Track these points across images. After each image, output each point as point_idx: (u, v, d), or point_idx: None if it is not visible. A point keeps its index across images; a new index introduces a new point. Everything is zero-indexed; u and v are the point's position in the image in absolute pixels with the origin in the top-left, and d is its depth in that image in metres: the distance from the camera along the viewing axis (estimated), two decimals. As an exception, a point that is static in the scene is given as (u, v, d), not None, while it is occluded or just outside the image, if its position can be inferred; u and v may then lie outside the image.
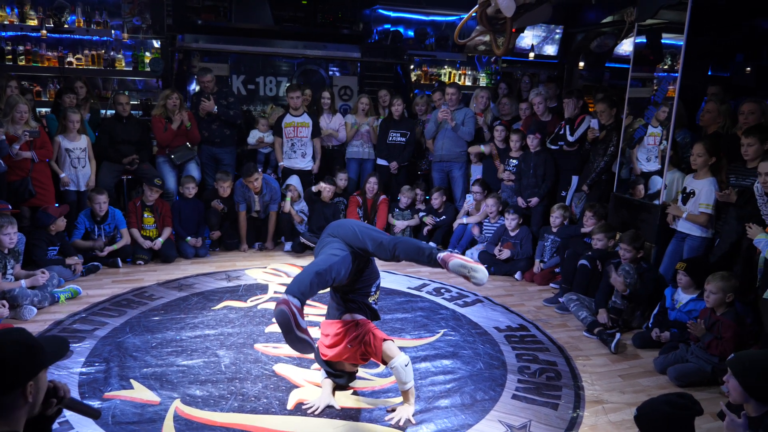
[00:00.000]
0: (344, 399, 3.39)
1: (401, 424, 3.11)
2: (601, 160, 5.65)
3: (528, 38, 8.79)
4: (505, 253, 5.87)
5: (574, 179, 6.03)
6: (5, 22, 7.11)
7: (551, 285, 5.63)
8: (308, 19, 8.01)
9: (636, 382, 3.79)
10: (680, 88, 4.81)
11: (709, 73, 8.51)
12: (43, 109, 6.90)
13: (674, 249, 4.83)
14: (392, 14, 8.96)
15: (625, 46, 8.85)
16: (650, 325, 4.39)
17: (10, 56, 7.15)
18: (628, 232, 4.79)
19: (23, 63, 7.22)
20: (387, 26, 8.98)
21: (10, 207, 4.98)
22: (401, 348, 3.23)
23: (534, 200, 6.07)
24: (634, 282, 4.55)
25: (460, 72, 9.20)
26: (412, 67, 8.83)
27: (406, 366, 3.07)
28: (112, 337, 4.07)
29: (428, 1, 8.33)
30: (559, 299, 5.10)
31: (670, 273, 4.68)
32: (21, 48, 7.22)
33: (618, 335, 4.32)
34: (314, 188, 6.42)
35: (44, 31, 7.23)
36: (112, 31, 7.55)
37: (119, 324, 4.29)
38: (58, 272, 4.94)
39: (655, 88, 5.38)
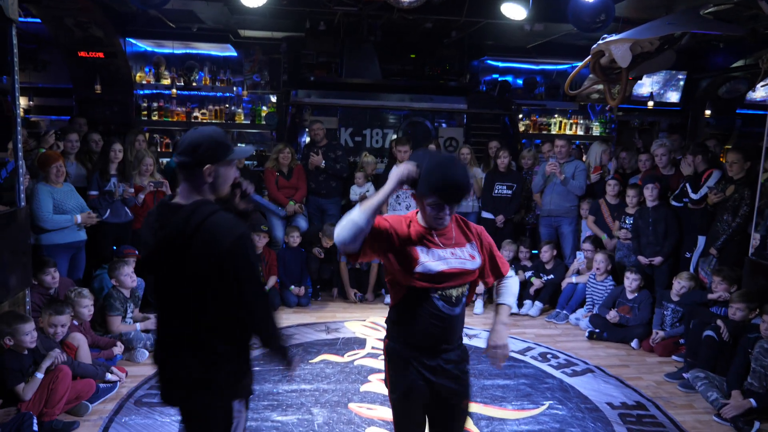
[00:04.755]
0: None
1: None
2: (732, 221, 5.06)
3: (647, 85, 8.31)
4: (612, 314, 5.40)
5: (701, 240, 5.46)
6: (143, 82, 7.87)
7: (674, 357, 5.06)
8: (416, 72, 8.13)
9: (781, 486, 3.24)
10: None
11: None
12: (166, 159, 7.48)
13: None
14: (500, 64, 8.87)
15: (759, 92, 8.13)
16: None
17: (145, 112, 7.88)
18: (772, 303, 4.20)
19: (155, 118, 7.92)
20: (495, 76, 8.90)
21: (137, 252, 5.35)
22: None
23: (658, 259, 5.56)
24: (775, 362, 3.97)
25: (571, 121, 8.86)
26: (520, 116, 8.63)
27: None
28: (213, 386, 4.15)
29: (538, 51, 8.15)
30: (684, 375, 4.55)
31: (821, 354, 4.03)
32: (155, 104, 7.93)
33: (757, 424, 3.77)
34: None
35: (175, 90, 7.91)
36: (234, 88, 8.11)
37: (220, 373, 4.38)
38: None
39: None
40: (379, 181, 6.72)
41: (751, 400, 3.90)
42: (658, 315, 5.34)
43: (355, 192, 6.70)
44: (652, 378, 4.67)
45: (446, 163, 2.27)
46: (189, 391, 2.13)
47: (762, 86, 7.55)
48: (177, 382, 2.14)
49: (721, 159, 6.22)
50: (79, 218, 4.93)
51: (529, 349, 5.17)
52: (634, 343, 5.33)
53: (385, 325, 2.56)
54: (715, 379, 4.31)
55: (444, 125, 8.29)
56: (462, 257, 2.37)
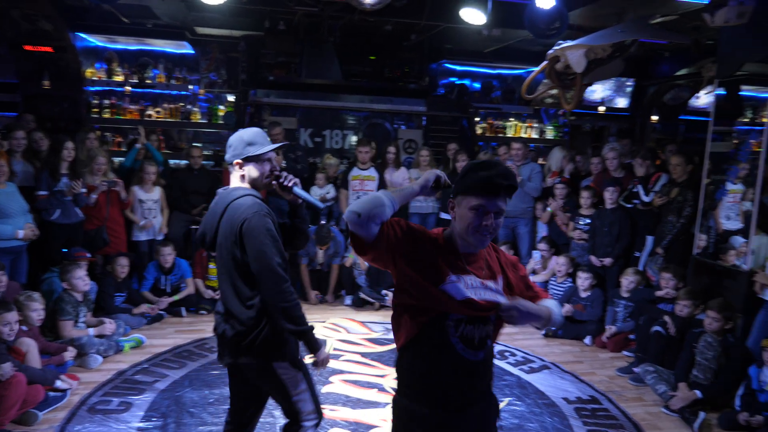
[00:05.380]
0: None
1: None
2: (677, 221, 5.31)
3: (598, 91, 8.60)
4: (567, 308, 5.57)
5: (649, 240, 5.70)
6: (95, 78, 7.63)
7: (624, 353, 5.26)
8: (376, 74, 8.16)
9: (725, 473, 3.41)
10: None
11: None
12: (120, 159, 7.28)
13: (764, 320, 4.41)
14: (458, 68, 9.00)
15: (702, 99, 8.52)
16: (737, 407, 3.98)
17: (96, 109, 7.64)
18: (717, 299, 4.41)
19: (107, 116, 7.68)
20: (453, 79, 9.03)
21: (89, 255, 5.19)
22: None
23: (608, 260, 5.76)
24: (717, 356, 4.18)
25: (526, 125, 9.07)
26: (477, 119, 8.78)
27: None
28: (171, 390, 4.08)
29: (495, 56, 8.31)
30: (634, 369, 4.74)
31: (759, 347, 4.25)
32: (107, 102, 7.69)
33: (702, 414, 3.95)
34: None
35: (128, 87, 7.69)
36: (190, 86, 7.95)
37: (179, 377, 4.30)
38: (124, 320, 5.07)
39: (735, 141, 5.07)
40: (339, 182, 6.73)
41: (697, 391, 4.10)
42: (610, 312, 5.54)
43: (315, 193, 6.68)
44: (605, 373, 4.85)
45: (485, 160, 2.16)
46: (233, 352, 2.44)
47: (705, 94, 7.92)
48: (223, 343, 2.48)
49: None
50: (20, 233, 4.78)
51: (487, 347, 5.27)
52: (587, 340, 5.52)
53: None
54: (663, 372, 4.50)
55: (403, 127, 8.35)
56: (495, 290, 1.99)
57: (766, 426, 3.71)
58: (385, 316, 5.66)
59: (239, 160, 2.48)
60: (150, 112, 7.80)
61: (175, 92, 8.00)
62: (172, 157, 7.48)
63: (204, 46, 8.03)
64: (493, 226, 1.89)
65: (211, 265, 6.00)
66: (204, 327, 5.42)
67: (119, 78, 7.71)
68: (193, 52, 8.03)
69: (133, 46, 7.87)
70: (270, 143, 2.53)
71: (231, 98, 8.15)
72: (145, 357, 4.66)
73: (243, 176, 2.50)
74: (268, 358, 2.42)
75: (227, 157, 2.53)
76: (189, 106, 7.98)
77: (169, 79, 7.90)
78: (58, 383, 3.94)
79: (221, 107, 8.05)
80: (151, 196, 6.03)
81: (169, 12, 6.78)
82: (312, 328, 2.46)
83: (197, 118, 7.97)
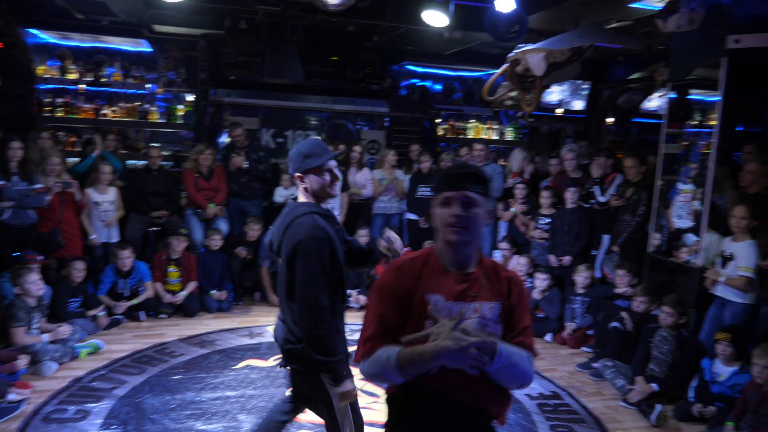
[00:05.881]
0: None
1: None
2: (632, 220, 5.48)
3: (555, 94, 8.80)
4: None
5: (605, 238, 5.87)
6: (47, 76, 7.37)
7: (584, 349, 5.39)
8: (338, 75, 8.15)
9: (681, 462, 3.54)
10: (717, 146, 4.69)
11: (740, 129, 8.38)
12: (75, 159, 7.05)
13: (715, 314, 4.59)
14: (420, 69, 9.08)
15: (653, 102, 8.82)
16: (691, 398, 4.13)
17: (49, 108, 7.38)
18: (671, 295, 4.57)
19: (61, 114, 7.43)
20: (415, 81, 9.09)
21: (42, 258, 5.00)
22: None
23: (567, 259, 5.89)
24: (672, 349, 4.33)
25: (486, 126, 9.21)
26: (438, 121, 8.87)
27: None
28: (131, 396, 3.97)
29: (456, 57, 8.41)
30: (593, 365, 4.87)
31: (711, 340, 4.44)
32: (60, 100, 7.44)
33: (659, 407, 4.09)
34: None
35: (83, 86, 7.46)
36: (148, 85, 7.76)
37: (139, 383, 4.19)
38: (80, 326, 4.91)
39: (686, 143, 5.27)
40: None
41: (653, 384, 4.24)
42: (568, 310, 5.67)
43: (280, 194, 6.62)
44: (566, 369, 4.96)
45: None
46: (287, 358, 2.55)
47: (657, 97, 8.20)
48: (281, 348, 2.57)
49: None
50: None
51: (451, 346, 5.32)
52: (548, 337, 5.64)
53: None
54: (621, 367, 4.64)
55: (366, 128, 8.36)
56: (488, 317, 1.81)
57: (718, 416, 3.86)
58: (350, 317, 5.65)
59: (299, 173, 2.51)
60: (106, 111, 7.59)
61: (131, 91, 7.81)
62: (129, 158, 7.29)
63: (162, 44, 7.87)
64: (466, 217, 1.78)
65: (171, 269, 5.86)
66: (164, 331, 5.30)
67: (73, 76, 7.48)
68: (150, 50, 7.85)
69: (88, 44, 7.65)
70: (329, 152, 2.53)
71: (190, 98, 8.01)
72: (103, 363, 4.52)
73: (306, 188, 2.53)
74: (317, 368, 2.45)
75: (290, 171, 2.58)
76: (147, 106, 7.80)
77: (126, 78, 7.71)
78: (11, 396, 3.76)
79: (180, 107, 7.90)
80: (106, 198, 5.86)
81: (126, 9, 6.61)
82: (340, 360, 2.42)
83: (155, 117, 7.79)
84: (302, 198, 2.56)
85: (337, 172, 2.58)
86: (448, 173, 1.87)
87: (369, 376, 1.81)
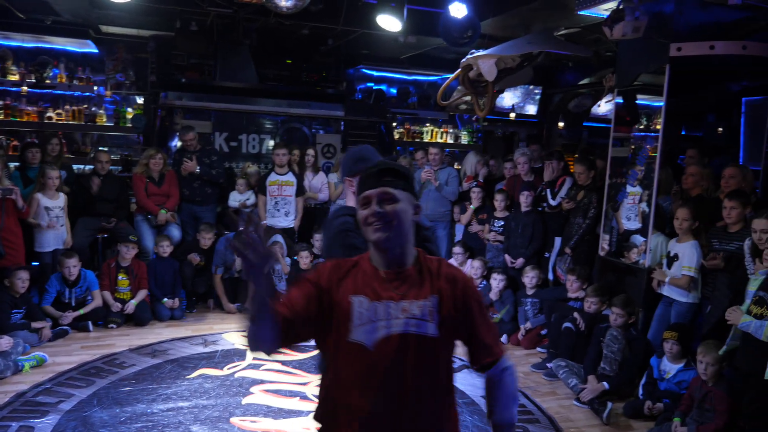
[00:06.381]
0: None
1: None
2: (583, 222, 5.63)
3: (509, 98, 8.95)
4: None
5: (557, 241, 6.00)
6: (-15, 77, 7.04)
7: (538, 349, 5.50)
8: (293, 78, 8.08)
9: (631, 458, 3.64)
10: (661, 150, 4.86)
11: (683, 133, 8.73)
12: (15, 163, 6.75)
13: (662, 313, 4.76)
14: (375, 73, 9.09)
15: (603, 107, 9.08)
16: (641, 396, 4.26)
17: (-12, 111, 7.05)
18: (620, 296, 4.70)
19: (1, 117, 7.11)
20: (370, 85, 9.10)
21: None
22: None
23: (519, 261, 5.99)
24: (622, 348, 4.46)
25: (442, 130, 9.30)
26: (394, 125, 8.90)
27: None
28: (78, 410, 3.82)
29: (411, 62, 8.47)
30: (547, 365, 4.97)
31: (658, 339, 4.59)
32: (0, 103, 7.12)
33: (610, 405, 4.19)
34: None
35: (25, 87, 7.16)
36: (95, 87, 7.52)
37: (86, 396, 4.04)
38: (23, 338, 4.70)
39: (632, 147, 5.44)
40: (257, 188, 6.60)
41: (604, 383, 4.35)
42: (521, 312, 5.78)
43: (234, 198, 6.52)
44: (520, 369, 5.03)
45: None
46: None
47: (605, 102, 8.44)
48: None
49: (571, 169, 6.86)
50: None
51: (408, 349, 5.33)
52: (503, 339, 5.71)
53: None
54: (574, 366, 4.74)
55: (321, 132, 8.31)
56: (418, 316, 1.71)
57: (666, 412, 3.99)
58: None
59: (349, 177, 2.57)
60: (50, 114, 7.29)
61: (78, 93, 7.53)
62: (76, 162, 7.04)
63: (109, 46, 7.62)
64: (384, 213, 1.71)
65: (121, 276, 5.69)
66: (113, 341, 5.13)
67: (15, 77, 7.15)
68: (97, 51, 7.59)
69: (30, 44, 7.33)
70: (380, 157, 2.54)
71: (140, 100, 7.79)
72: (48, 376, 4.34)
73: (354, 192, 2.53)
74: None
75: (340, 174, 2.64)
76: (94, 108, 7.53)
77: (72, 80, 7.43)
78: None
79: (129, 110, 7.67)
80: (57, 203, 5.64)
81: (71, 8, 6.37)
82: None
83: (103, 120, 7.54)
84: (351, 202, 2.60)
85: None
86: (365, 173, 1.81)
87: (254, 349, 1.80)
